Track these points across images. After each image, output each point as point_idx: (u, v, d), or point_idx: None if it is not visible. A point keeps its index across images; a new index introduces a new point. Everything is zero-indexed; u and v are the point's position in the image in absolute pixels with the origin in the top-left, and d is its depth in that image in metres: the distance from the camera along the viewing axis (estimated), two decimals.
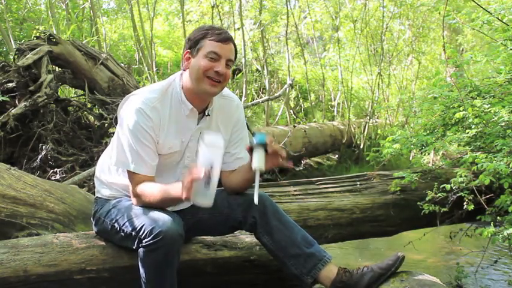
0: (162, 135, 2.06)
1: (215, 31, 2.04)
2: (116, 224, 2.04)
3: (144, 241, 1.89)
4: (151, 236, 1.86)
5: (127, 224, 1.98)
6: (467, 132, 2.92)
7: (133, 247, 1.96)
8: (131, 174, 2.04)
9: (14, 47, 5.77)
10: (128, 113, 2.03)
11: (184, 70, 2.09)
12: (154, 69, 7.84)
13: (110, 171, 2.19)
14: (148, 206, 2.01)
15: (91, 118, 4.97)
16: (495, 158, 2.58)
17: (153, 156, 2.05)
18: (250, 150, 2.00)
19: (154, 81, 7.49)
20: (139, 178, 2.03)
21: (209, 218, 2.19)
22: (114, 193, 2.18)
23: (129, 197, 2.11)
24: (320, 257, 2.11)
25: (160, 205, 2.00)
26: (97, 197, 2.25)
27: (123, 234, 2.01)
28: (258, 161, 1.93)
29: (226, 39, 2.04)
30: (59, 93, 4.86)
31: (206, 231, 2.28)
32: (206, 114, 2.13)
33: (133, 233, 1.94)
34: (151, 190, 2.00)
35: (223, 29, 2.11)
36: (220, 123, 2.18)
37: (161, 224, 1.87)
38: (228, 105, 2.21)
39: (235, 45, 2.09)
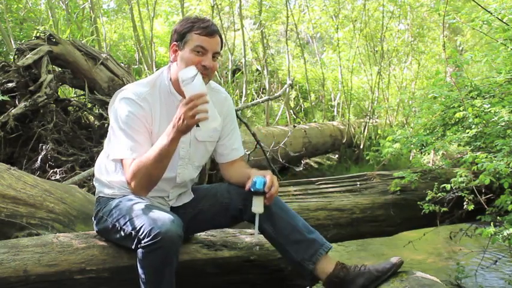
0: (156, 126, 2.07)
1: (201, 24, 2.03)
2: (116, 223, 2.04)
3: (143, 241, 1.88)
4: (150, 236, 1.86)
5: (128, 223, 1.98)
6: (467, 132, 2.92)
7: (133, 247, 1.96)
8: (127, 162, 2.01)
9: (14, 47, 5.76)
10: (119, 105, 2.05)
11: (172, 62, 2.10)
12: (154, 69, 7.83)
13: (107, 171, 2.19)
14: (146, 184, 1.98)
15: (91, 118, 4.96)
16: (495, 158, 2.58)
17: (149, 142, 2.04)
18: (249, 191, 2.05)
19: None
20: (136, 162, 2.00)
21: (209, 208, 2.21)
22: (116, 192, 2.17)
23: (131, 195, 2.10)
24: (322, 243, 2.12)
25: (157, 168, 1.96)
26: (99, 196, 2.25)
27: (123, 233, 2.01)
28: (257, 206, 2.05)
29: (213, 32, 2.03)
30: (59, 93, 4.86)
31: (207, 223, 2.28)
32: None
33: (133, 233, 1.94)
34: (141, 160, 1.96)
35: (209, 20, 2.09)
36: None
37: (160, 224, 1.87)
38: (216, 97, 2.21)
39: (221, 37, 2.09)
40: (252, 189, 2.03)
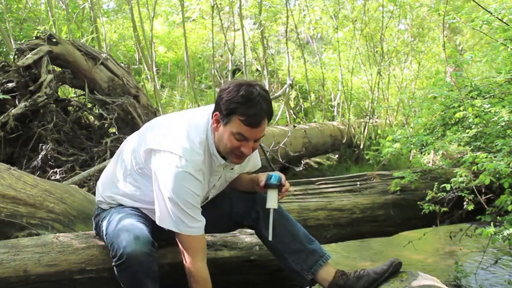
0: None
1: (249, 109, 1.84)
2: (104, 235, 2.05)
3: (113, 260, 1.90)
4: (117, 257, 1.87)
5: (108, 237, 2.00)
6: (467, 132, 2.92)
7: None
8: (183, 236, 1.97)
9: (14, 47, 5.76)
10: (175, 177, 1.90)
11: (213, 130, 1.97)
12: (154, 69, 7.84)
13: (117, 186, 2.14)
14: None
15: (91, 118, 4.97)
16: (495, 158, 2.58)
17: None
18: (264, 187, 2.06)
19: (154, 82, 7.48)
20: (193, 239, 1.98)
21: (209, 214, 2.19)
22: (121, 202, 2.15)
23: (131, 206, 2.09)
24: (321, 254, 2.14)
25: None
26: (99, 207, 2.22)
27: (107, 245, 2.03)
28: (272, 201, 2.06)
29: (259, 122, 1.87)
30: (59, 93, 4.86)
31: (207, 228, 2.27)
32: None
33: (109, 248, 1.97)
34: (201, 279, 1.99)
35: (259, 101, 1.86)
36: None
37: (125, 244, 1.85)
38: None
39: (270, 115, 1.92)
40: (268, 183, 2.04)
